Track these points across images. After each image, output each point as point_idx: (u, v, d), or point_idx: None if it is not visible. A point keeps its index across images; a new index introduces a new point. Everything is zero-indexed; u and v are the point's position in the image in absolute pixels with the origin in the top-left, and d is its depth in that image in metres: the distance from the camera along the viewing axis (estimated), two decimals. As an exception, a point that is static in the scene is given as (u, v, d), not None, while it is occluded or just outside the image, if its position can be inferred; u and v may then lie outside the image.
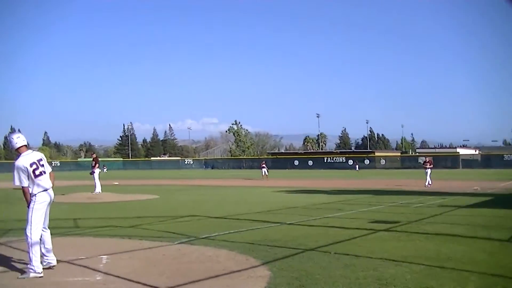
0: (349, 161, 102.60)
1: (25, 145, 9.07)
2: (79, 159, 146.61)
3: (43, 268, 8.79)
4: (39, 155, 9.20)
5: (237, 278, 8.22)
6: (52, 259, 9.07)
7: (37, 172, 8.87)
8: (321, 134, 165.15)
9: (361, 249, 10.46)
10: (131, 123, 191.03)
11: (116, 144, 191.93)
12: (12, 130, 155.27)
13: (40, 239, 8.92)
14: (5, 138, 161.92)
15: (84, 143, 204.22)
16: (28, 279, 8.29)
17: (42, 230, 9.03)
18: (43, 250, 8.96)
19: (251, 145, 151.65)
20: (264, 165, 56.27)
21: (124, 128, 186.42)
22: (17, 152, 9.01)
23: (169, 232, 13.49)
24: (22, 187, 8.81)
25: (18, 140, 9.00)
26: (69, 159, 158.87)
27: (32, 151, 9.14)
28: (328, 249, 10.48)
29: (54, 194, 9.27)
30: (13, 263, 9.52)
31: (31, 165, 8.83)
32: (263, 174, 54.07)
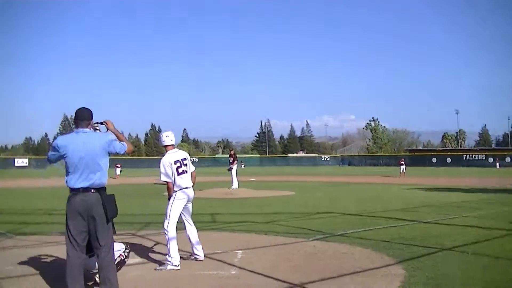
0: (489, 158, 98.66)
1: (172, 145, 9.49)
2: (216, 155, 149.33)
3: (191, 260, 9.34)
4: (184, 154, 9.62)
5: (372, 276, 8.12)
6: (199, 253, 9.43)
7: (180, 170, 9.26)
8: (460, 130, 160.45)
9: (501, 251, 10.06)
10: (268, 119, 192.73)
11: (254, 140, 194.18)
12: (153, 127, 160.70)
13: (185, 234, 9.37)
14: (146, 135, 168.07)
15: (222, 139, 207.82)
16: (165, 271, 8.59)
17: (188, 225, 9.41)
18: (193, 242, 9.38)
19: (388, 142, 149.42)
20: (402, 162, 55.32)
21: (261, 124, 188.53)
22: (165, 149, 9.47)
23: (304, 228, 13.51)
24: (167, 182, 9.18)
25: (166, 139, 9.47)
26: (207, 155, 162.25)
27: (178, 150, 9.54)
28: (465, 249, 10.14)
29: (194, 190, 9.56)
30: (151, 255, 9.91)
31: (175, 163, 9.25)
32: (401, 171, 53.22)
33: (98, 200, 6.46)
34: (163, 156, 9.36)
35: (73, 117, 6.85)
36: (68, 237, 6.47)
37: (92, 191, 6.49)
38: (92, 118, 6.84)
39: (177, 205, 9.15)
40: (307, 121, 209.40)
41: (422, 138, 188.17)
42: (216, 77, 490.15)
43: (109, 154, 6.77)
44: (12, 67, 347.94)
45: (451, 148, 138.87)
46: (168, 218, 9.03)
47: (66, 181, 6.55)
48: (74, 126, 6.85)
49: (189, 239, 9.39)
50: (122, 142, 6.91)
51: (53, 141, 6.92)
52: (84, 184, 6.46)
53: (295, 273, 8.33)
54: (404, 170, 53.50)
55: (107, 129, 7.11)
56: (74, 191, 6.49)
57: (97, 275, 6.89)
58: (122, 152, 6.91)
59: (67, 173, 6.55)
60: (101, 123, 7.07)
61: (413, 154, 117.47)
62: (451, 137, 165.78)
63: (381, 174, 59.46)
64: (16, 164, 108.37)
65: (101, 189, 6.58)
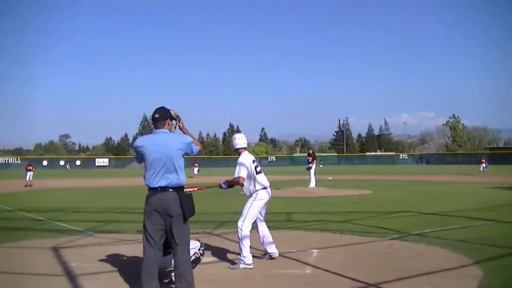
0: None
1: (245, 147, 9.53)
2: (294, 154, 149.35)
3: (266, 259, 9.40)
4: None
5: (447, 276, 8.01)
6: (273, 251, 9.46)
7: (257, 169, 9.31)
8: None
9: None
10: (346, 118, 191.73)
11: (331, 139, 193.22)
12: (231, 127, 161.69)
13: (258, 233, 9.46)
14: (224, 134, 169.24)
15: (300, 138, 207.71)
16: (238, 270, 8.67)
17: (260, 225, 9.45)
18: (267, 241, 9.41)
19: (468, 140, 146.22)
20: (483, 160, 54.10)
21: (339, 123, 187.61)
22: (236, 152, 9.53)
23: (380, 227, 13.43)
24: (238, 177, 9.11)
25: (240, 141, 9.50)
26: (284, 154, 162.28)
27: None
28: (546, 251, 9.91)
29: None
30: (227, 254, 10.00)
31: (253, 162, 9.32)
32: (481, 169, 52.09)
33: (176, 199, 6.55)
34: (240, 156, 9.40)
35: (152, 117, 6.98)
36: (145, 235, 6.60)
37: (170, 190, 6.59)
38: (167, 118, 6.94)
39: (257, 205, 9.19)
40: (385, 119, 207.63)
41: (503, 136, 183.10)
42: (294, 76, 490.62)
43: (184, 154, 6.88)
44: (91, 70, 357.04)
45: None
46: (244, 216, 9.05)
47: (145, 181, 6.71)
48: (153, 126, 6.99)
49: (263, 238, 9.43)
50: (194, 143, 7.00)
51: (133, 142, 7.06)
52: (162, 183, 6.57)
53: (370, 272, 8.29)
54: (485, 169, 52.33)
55: (177, 126, 7.17)
56: (152, 190, 6.62)
57: (173, 273, 7.02)
58: (194, 153, 7.03)
59: (146, 172, 6.70)
60: (174, 119, 7.10)
61: (493, 152, 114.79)
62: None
63: (460, 172, 58.21)
64: (96, 164, 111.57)
65: (179, 188, 6.68)
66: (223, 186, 9.28)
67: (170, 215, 6.52)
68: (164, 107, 6.96)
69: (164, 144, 6.67)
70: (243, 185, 9.19)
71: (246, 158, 9.28)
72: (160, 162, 6.59)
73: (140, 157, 6.79)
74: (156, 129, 6.87)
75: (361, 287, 7.53)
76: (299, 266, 8.94)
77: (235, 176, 9.20)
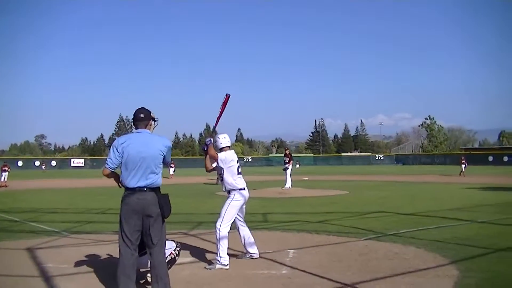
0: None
1: (228, 146, 9.51)
2: (270, 155, 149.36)
3: (246, 259, 9.44)
4: None
5: (424, 276, 8.04)
6: (254, 251, 9.50)
7: (239, 170, 9.36)
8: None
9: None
10: (322, 119, 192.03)
11: (307, 140, 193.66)
12: (207, 127, 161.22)
13: (239, 235, 9.48)
14: (200, 135, 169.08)
15: (276, 139, 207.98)
16: (214, 270, 8.66)
17: (241, 226, 9.46)
18: (248, 242, 9.45)
19: (444, 140, 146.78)
20: (463, 161, 53.58)
21: (315, 124, 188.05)
22: (221, 152, 9.44)
23: (357, 228, 13.45)
24: (215, 158, 9.18)
25: (224, 140, 9.49)
26: (261, 154, 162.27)
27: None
28: (521, 250, 9.97)
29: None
30: (202, 254, 9.98)
31: (237, 161, 9.38)
32: (463, 170, 51.72)
33: (155, 199, 6.55)
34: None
35: (130, 118, 6.92)
36: (122, 236, 6.56)
37: (148, 190, 6.57)
38: (150, 119, 6.90)
39: (235, 206, 9.17)
40: (361, 120, 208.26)
41: (478, 136, 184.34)
42: (270, 77, 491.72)
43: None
44: (67, 70, 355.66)
45: (509, 146, 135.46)
46: (222, 217, 9.04)
47: (123, 180, 6.65)
48: (133, 126, 6.95)
49: (243, 239, 9.44)
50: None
51: (109, 143, 6.97)
52: (142, 183, 6.55)
53: (347, 272, 8.31)
54: (464, 169, 52.16)
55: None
56: (130, 190, 6.58)
57: (149, 274, 6.98)
58: (166, 164, 6.99)
59: (125, 172, 6.64)
60: (155, 120, 7.05)
61: (469, 152, 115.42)
62: (509, 135, 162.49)
63: (435, 173, 58.41)
64: (72, 164, 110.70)
65: (156, 189, 6.68)
66: (207, 142, 9.30)
67: (148, 215, 6.50)
68: (143, 107, 6.93)
69: (148, 145, 6.67)
70: (218, 168, 9.31)
71: (232, 154, 9.36)
72: (142, 162, 6.57)
73: (117, 159, 6.68)
74: (136, 128, 6.83)
75: (338, 287, 7.53)
76: (275, 266, 8.94)
77: (217, 164, 9.24)
